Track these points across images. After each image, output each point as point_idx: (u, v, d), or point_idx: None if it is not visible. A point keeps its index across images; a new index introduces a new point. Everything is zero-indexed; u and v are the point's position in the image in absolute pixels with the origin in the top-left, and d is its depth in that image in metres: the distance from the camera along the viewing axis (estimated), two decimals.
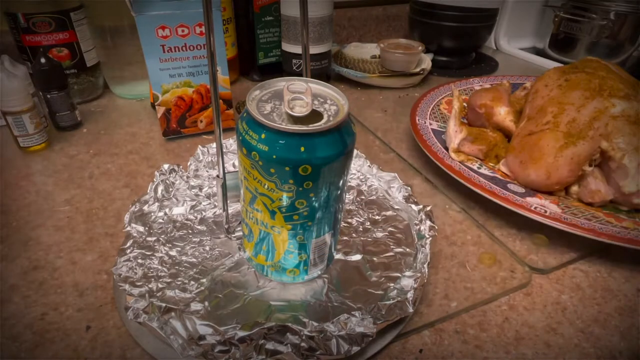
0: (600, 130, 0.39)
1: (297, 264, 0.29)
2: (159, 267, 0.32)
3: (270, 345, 0.25)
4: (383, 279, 0.32)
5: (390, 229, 0.37)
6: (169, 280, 0.31)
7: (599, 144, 0.38)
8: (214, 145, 0.44)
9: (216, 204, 0.39)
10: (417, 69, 0.69)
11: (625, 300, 0.33)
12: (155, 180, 0.38)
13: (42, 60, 0.48)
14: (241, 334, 0.25)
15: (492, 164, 0.45)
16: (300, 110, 0.24)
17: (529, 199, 0.39)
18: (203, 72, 0.49)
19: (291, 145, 0.23)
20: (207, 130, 0.53)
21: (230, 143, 0.46)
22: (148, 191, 0.38)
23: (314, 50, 0.62)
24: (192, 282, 0.31)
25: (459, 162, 0.44)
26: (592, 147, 0.38)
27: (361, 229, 0.37)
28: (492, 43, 0.93)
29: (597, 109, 0.40)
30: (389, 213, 0.39)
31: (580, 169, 0.38)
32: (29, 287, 0.32)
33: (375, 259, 0.34)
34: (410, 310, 0.28)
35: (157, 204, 0.37)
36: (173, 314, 0.26)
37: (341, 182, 0.26)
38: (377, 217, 0.38)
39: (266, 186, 0.25)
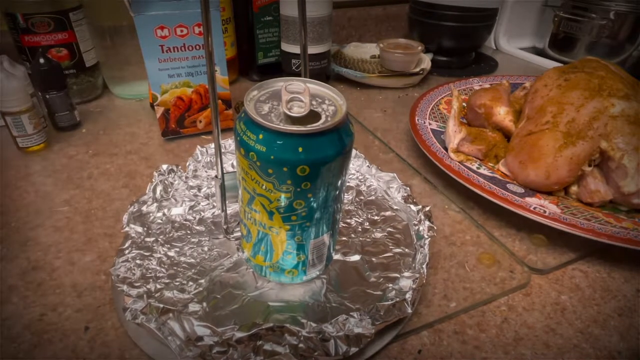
0: (600, 130, 0.38)
1: (296, 264, 0.29)
2: (157, 267, 0.31)
3: (268, 346, 0.25)
4: (382, 279, 0.32)
5: (389, 229, 0.37)
6: (167, 281, 0.31)
7: (599, 144, 0.38)
8: (213, 145, 0.44)
9: (215, 204, 0.39)
10: (417, 69, 0.69)
11: (625, 301, 0.33)
12: (154, 180, 0.38)
13: (41, 60, 0.48)
14: (239, 334, 0.25)
15: (491, 164, 0.45)
16: (298, 111, 0.24)
17: (528, 199, 0.39)
18: (202, 72, 0.49)
19: (289, 145, 0.23)
20: (206, 131, 0.53)
21: (230, 143, 0.46)
22: (147, 191, 0.37)
23: (313, 50, 0.62)
24: (191, 283, 0.31)
25: (458, 162, 0.44)
26: (592, 147, 0.38)
27: (360, 230, 0.37)
28: (491, 43, 0.93)
29: (596, 109, 0.39)
30: (388, 213, 0.39)
31: (579, 169, 0.38)
32: (28, 287, 0.32)
33: (374, 259, 0.34)
34: (409, 310, 0.28)
35: (155, 204, 0.37)
36: (171, 314, 0.26)
37: (339, 182, 0.26)
38: (376, 218, 0.38)
39: (264, 187, 0.25)
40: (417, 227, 0.35)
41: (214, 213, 0.38)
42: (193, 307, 0.29)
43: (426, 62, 0.70)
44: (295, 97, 0.24)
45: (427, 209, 0.36)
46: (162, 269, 0.31)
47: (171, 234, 0.35)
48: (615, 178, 0.38)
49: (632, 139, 0.37)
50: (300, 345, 0.25)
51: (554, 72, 0.46)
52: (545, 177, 0.39)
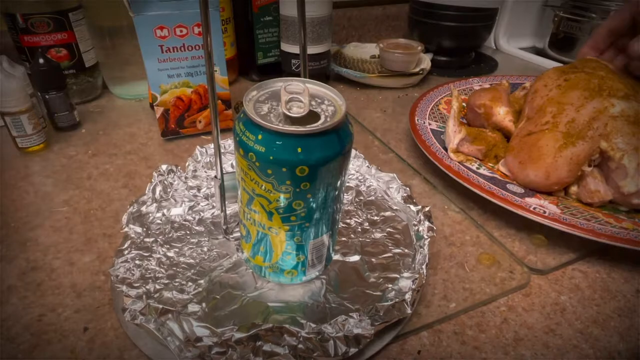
0: (600, 131, 0.38)
1: (295, 265, 0.29)
2: (157, 268, 0.31)
3: (267, 347, 0.25)
4: (381, 280, 0.32)
5: (388, 229, 0.37)
6: (166, 281, 0.31)
7: (598, 144, 0.38)
8: (213, 145, 0.44)
9: (214, 204, 0.39)
10: (417, 69, 0.69)
11: (625, 301, 0.33)
12: (153, 180, 0.38)
13: (41, 60, 0.48)
14: (238, 335, 0.25)
15: (491, 164, 0.45)
16: (298, 111, 0.24)
17: (528, 200, 0.38)
18: (202, 73, 0.49)
19: (288, 146, 0.23)
20: (205, 131, 0.53)
21: (229, 143, 0.46)
22: (146, 192, 0.37)
23: (313, 50, 0.62)
24: (190, 284, 0.31)
25: (458, 162, 0.44)
26: (591, 147, 0.38)
27: (360, 230, 0.37)
28: (491, 43, 0.93)
29: (596, 109, 0.39)
30: (388, 214, 0.39)
31: (579, 169, 0.38)
32: (27, 288, 0.32)
33: (373, 259, 0.34)
34: (409, 311, 0.28)
35: (155, 204, 0.37)
36: (170, 315, 0.26)
37: (339, 182, 0.26)
38: (375, 218, 0.38)
39: (263, 187, 0.25)
40: (416, 228, 0.35)
41: (213, 213, 0.38)
42: (192, 307, 0.29)
43: (426, 62, 0.70)
44: (295, 98, 0.24)
45: (427, 209, 0.36)
46: (162, 270, 0.31)
47: (170, 235, 0.35)
48: (615, 178, 0.38)
49: (632, 139, 0.37)
50: (300, 345, 0.25)
51: (554, 72, 0.46)
52: (545, 178, 0.39)
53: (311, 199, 0.25)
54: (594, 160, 0.39)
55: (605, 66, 0.45)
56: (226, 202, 0.34)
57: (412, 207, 0.37)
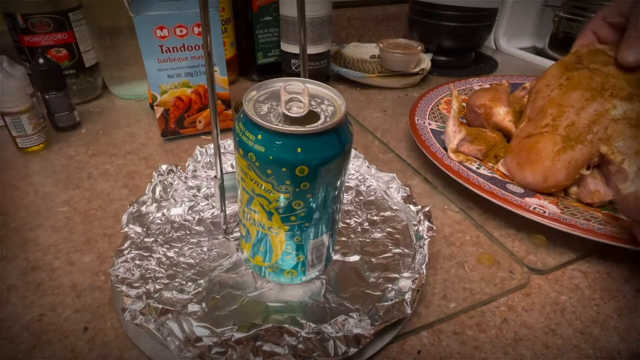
0: (600, 134, 0.38)
1: (295, 264, 0.29)
2: (157, 268, 0.31)
3: (267, 347, 0.25)
4: (381, 279, 0.32)
5: (388, 229, 0.37)
6: (166, 281, 0.31)
7: (598, 148, 0.38)
8: (212, 145, 0.44)
9: (214, 204, 0.39)
10: (417, 69, 0.69)
11: (624, 301, 0.33)
12: (153, 180, 0.38)
13: (41, 60, 0.48)
14: (238, 335, 0.25)
15: (491, 164, 0.45)
16: (297, 111, 0.24)
17: (527, 200, 0.38)
18: (201, 73, 0.49)
19: (288, 146, 0.23)
20: (205, 131, 0.53)
21: (229, 143, 0.46)
22: (146, 192, 0.37)
23: (312, 50, 0.62)
24: (190, 283, 0.31)
25: (458, 162, 0.44)
26: (591, 151, 0.38)
27: (359, 230, 0.37)
28: (491, 43, 0.93)
29: (597, 112, 0.39)
30: (388, 213, 0.39)
31: (577, 172, 0.38)
32: (27, 288, 0.32)
33: (373, 259, 0.34)
34: (409, 311, 0.28)
35: (155, 204, 0.37)
36: (170, 315, 0.26)
37: (339, 182, 0.26)
38: (375, 218, 0.38)
39: (263, 187, 0.25)
40: (416, 228, 0.35)
41: (213, 213, 0.38)
42: (192, 307, 0.29)
43: (426, 62, 0.70)
44: (294, 98, 0.24)
45: (427, 209, 0.36)
46: (161, 270, 0.31)
47: (170, 235, 0.35)
48: (615, 181, 0.38)
49: (633, 143, 0.37)
50: (300, 345, 0.25)
51: (557, 70, 0.44)
52: (543, 181, 0.39)
53: (311, 199, 0.25)
54: (593, 162, 0.39)
55: (614, 59, 0.43)
56: (226, 202, 0.34)
57: (412, 207, 0.37)
